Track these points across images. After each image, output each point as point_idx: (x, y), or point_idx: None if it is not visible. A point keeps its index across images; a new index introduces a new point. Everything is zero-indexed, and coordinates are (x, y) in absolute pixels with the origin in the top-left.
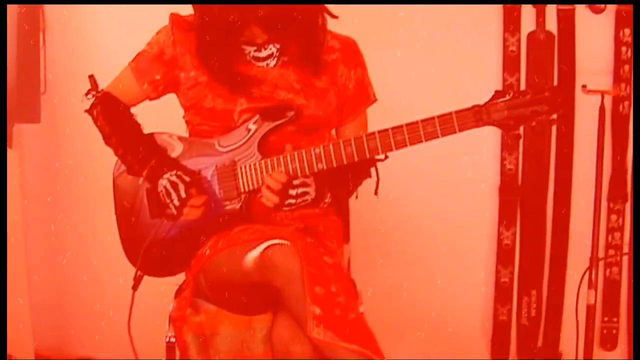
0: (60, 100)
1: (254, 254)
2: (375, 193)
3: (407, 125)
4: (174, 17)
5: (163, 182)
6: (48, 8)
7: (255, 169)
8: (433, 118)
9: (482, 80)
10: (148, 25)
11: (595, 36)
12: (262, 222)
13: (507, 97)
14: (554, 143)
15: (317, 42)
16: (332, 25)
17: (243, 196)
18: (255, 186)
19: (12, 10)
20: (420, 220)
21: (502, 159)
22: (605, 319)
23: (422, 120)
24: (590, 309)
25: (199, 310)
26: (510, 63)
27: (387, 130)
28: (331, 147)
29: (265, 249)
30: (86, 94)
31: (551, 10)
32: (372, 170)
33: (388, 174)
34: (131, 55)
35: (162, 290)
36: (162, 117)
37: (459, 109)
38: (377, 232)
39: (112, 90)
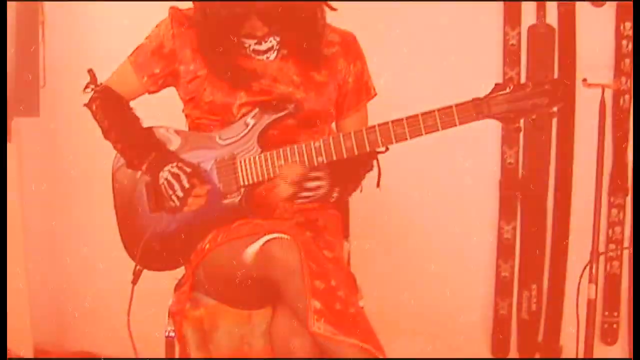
0: (60, 94)
1: (253, 248)
2: (378, 185)
3: (407, 118)
4: (173, 10)
5: (164, 174)
6: (47, 2)
7: (255, 163)
8: (433, 111)
9: (482, 74)
10: (147, 19)
11: (596, 30)
12: (261, 216)
13: (508, 90)
14: (554, 137)
15: (317, 34)
16: (331, 19)
17: (243, 190)
18: (255, 180)
19: (11, 4)
20: (421, 214)
21: (503, 153)
22: (606, 313)
23: (423, 114)
24: (591, 304)
25: (198, 305)
26: (510, 57)
27: (387, 123)
28: (331, 140)
29: (265, 243)
30: (85, 88)
31: (552, 3)
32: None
33: (388, 168)
34: (130, 49)
35: (161, 285)
36: (161, 110)
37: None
38: (377, 226)
39: (111, 84)
